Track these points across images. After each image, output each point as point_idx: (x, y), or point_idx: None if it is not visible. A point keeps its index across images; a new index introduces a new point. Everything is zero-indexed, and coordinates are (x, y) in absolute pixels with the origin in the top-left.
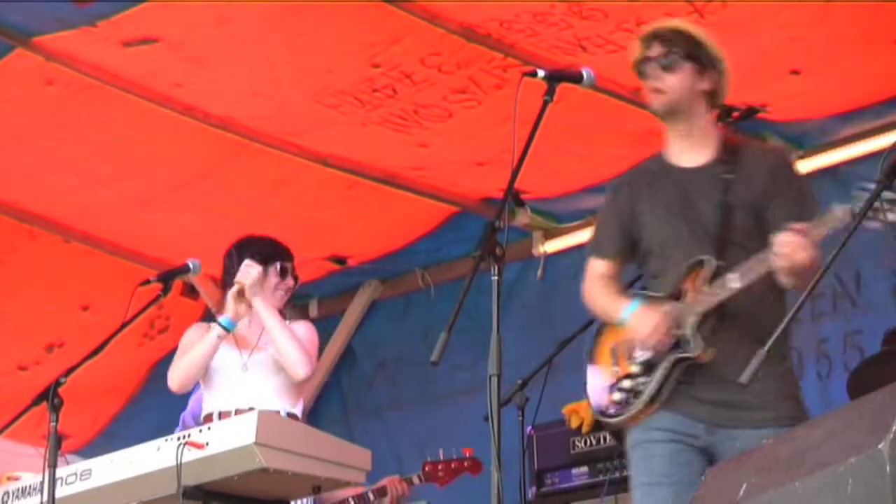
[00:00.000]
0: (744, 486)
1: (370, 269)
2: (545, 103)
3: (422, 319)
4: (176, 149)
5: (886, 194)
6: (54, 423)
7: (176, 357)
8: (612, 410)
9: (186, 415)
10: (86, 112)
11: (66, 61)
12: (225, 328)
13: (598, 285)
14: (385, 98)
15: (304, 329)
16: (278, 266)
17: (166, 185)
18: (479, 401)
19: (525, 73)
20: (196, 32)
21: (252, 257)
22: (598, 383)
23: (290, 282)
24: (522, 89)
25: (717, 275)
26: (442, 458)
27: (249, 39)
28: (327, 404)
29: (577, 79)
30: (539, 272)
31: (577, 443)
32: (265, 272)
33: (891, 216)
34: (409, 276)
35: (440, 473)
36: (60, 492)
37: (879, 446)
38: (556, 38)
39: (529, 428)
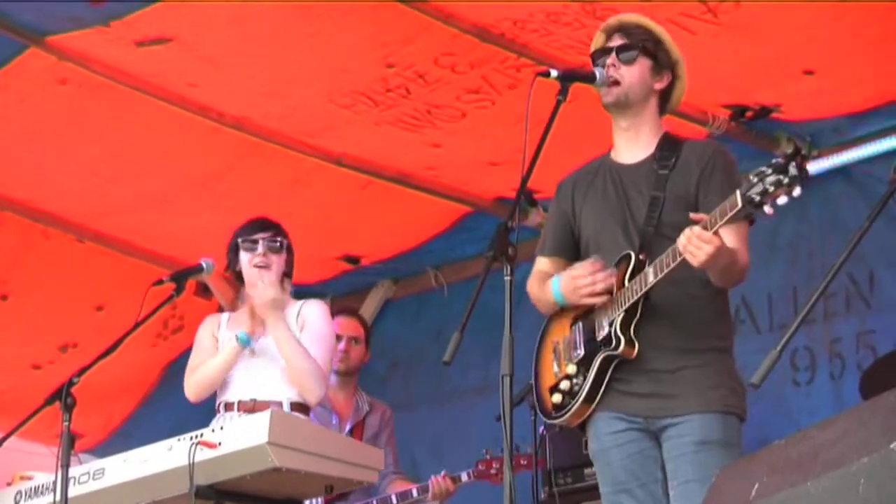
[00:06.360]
0: (756, 486)
1: (383, 268)
2: (558, 103)
3: (435, 319)
4: (190, 149)
5: (772, 177)
6: (67, 423)
7: (191, 360)
8: (553, 413)
9: None
10: (99, 112)
11: (79, 61)
12: (241, 342)
13: (535, 281)
14: (399, 98)
15: (316, 311)
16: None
17: (180, 185)
18: (492, 400)
19: (538, 73)
20: (210, 32)
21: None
22: (542, 384)
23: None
24: (535, 89)
25: (637, 270)
26: (491, 456)
27: (263, 39)
28: None
29: (590, 78)
30: None
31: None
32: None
33: (780, 200)
34: (422, 276)
35: (493, 471)
36: (73, 491)
37: (892, 446)
38: (570, 38)
39: (541, 427)
